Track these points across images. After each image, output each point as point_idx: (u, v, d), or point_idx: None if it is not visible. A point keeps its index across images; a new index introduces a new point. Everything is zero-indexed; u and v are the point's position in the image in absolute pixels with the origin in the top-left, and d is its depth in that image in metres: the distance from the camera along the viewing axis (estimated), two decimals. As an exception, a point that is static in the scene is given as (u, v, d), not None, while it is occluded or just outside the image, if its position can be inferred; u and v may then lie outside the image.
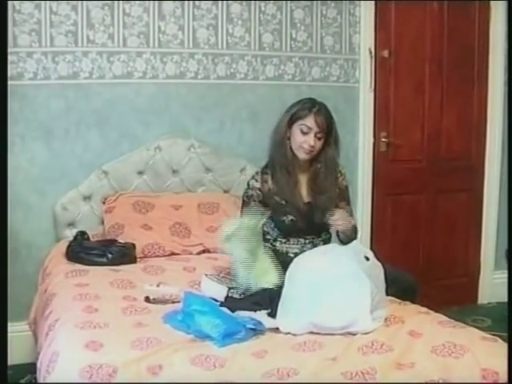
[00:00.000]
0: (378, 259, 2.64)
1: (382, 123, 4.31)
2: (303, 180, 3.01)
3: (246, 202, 2.99)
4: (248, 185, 3.01)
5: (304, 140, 2.89)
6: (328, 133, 2.93)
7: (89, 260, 3.09)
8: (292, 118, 2.94)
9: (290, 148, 2.94)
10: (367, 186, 4.23)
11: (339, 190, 3.05)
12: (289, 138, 2.94)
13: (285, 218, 2.93)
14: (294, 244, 2.96)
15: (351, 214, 3.08)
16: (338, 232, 2.94)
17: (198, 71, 3.82)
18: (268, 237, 2.97)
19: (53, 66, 3.52)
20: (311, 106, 2.93)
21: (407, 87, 4.35)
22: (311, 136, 2.88)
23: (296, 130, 2.92)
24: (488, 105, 4.58)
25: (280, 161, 2.95)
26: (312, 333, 2.32)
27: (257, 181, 2.98)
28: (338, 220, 2.82)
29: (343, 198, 3.07)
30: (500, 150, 4.61)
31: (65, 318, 2.39)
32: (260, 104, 3.97)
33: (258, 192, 2.96)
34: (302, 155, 2.93)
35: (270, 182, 2.97)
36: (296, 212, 2.93)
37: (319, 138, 2.91)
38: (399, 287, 2.74)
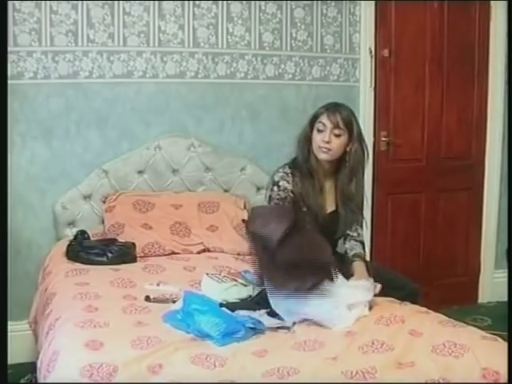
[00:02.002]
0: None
1: (382, 122, 4.31)
2: (331, 187, 2.98)
3: (278, 204, 2.87)
4: (278, 185, 2.90)
5: (320, 138, 2.87)
6: (349, 129, 2.89)
7: (89, 259, 3.09)
8: (311, 120, 2.94)
9: (313, 151, 2.92)
10: (367, 186, 4.18)
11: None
12: (311, 143, 2.93)
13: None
14: None
15: (361, 225, 3.07)
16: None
17: (198, 70, 3.82)
18: None
19: (53, 66, 3.52)
20: (328, 105, 2.92)
21: (407, 86, 4.35)
22: (326, 133, 2.86)
23: (314, 130, 2.91)
24: (488, 104, 4.58)
25: (303, 163, 2.92)
26: (313, 332, 2.32)
27: (288, 182, 2.90)
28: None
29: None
30: (500, 149, 4.61)
31: (65, 317, 2.39)
32: (260, 103, 3.97)
33: (291, 194, 2.89)
34: (320, 155, 2.90)
35: (299, 184, 2.91)
36: (315, 223, 2.87)
37: (336, 135, 2.86)
38: (402, 293, 2.74)
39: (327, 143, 2.86)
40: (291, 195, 2.89)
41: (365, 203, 3.14)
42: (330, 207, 2.98)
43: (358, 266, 2.85)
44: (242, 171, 3.88)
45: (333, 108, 2.89)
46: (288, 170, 2.93)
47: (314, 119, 2.92)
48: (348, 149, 2.90)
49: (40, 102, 3.52)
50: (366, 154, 2.96)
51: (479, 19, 4.47)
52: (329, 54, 4.12)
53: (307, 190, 2.90)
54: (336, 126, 2.86)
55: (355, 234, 3.01)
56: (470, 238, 4.68)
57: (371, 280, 2.67)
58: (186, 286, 2.80)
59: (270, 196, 2.93)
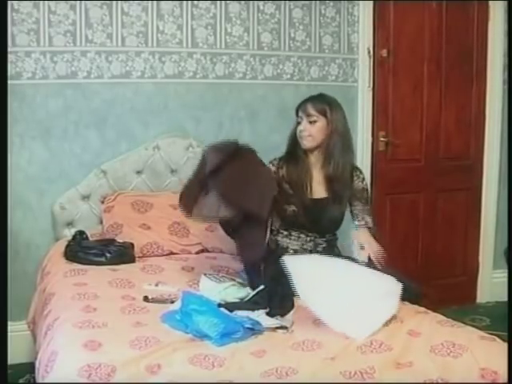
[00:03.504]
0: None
1: (381, 122, 4.31)
2: (319, 176, 3.06)
3: None
4: None
5: (299, 128, 3.04)
6: (325, 117, 3.02)
7: (87, 259, 3.09)
8: (295, 115, 3.11)
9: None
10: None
11: (354, 191, 3.09)
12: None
13: (287, 207, 2.98)
14: (294, 240, 3.02)
15: (369, 213, 3.14)
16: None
17: (197, 71, 3.82)
18: (272, 227, 3.03)
19: (51, 66, 3.52)
20: (306, 98, 3.08)
21: (406, 86, 4.35)
22: (304, 123, 3.02)
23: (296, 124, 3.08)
24: (486, 104, 4.59)
25: (289, 153, 3.08)
26: (311, 332, 2.32)
27: (273, 165, 3.06)
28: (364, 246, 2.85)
29: (357, 198, 3.10)
30: (499, 149, 4.62)
31: (63, 318, 2.39)
32: (259, 103, 3.97)
33: (273, 175, 3.01)
34: (303, 143, 3.05)
35: (284, 169, 3.05)
36: (300, 204, 2.98)
37: (311, 122, 3.01)
38: (405, 294, 2.75)
39: (303, 131, 3.02)
40: (274, 176, 3.02)
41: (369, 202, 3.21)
42: (322, 194, 3.05)
43: (362, 233, 3.01)
44: (241, 171, 3.87)
45: (306, 99, 3.07)
46: (277, 158, 3.11)
47: (296, 114, 3.10)
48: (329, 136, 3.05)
49: (38, 103, 3.52)
50: (344, 135, 3.06)
51: (478, 19, 4.48)
52: (327, 54, 4.12)
53: (291, 173, 3.02)
54: (308, 115, 3.02)
55: (362, 223, 3.09)
56: (468, 237, 4.68)
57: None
58: (185, 286, 2.80)
59: None
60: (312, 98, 3.07)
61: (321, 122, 3.01)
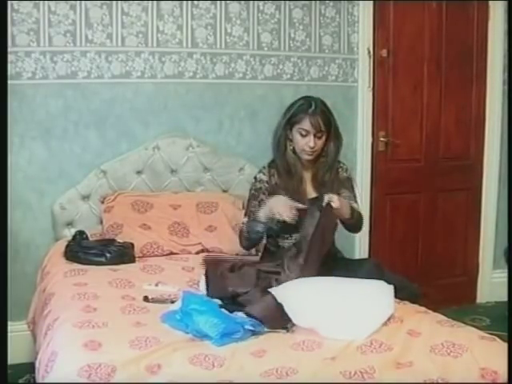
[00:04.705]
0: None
1: (381, 123, 4.31)
2: (308, 177, 3.06)
3: (254, 194, 3.04)
4: (255, 178, 3.07)
5: (304, 143, 2.96)
6: (328, 129, 2.98)
7: (87, 259, 3.09)
8: (290, 121, 3.00)
9: (293, 150, 3.02)
10: (366, 186, 4.23)
11: (340, 182, 3.08)
12: (291, 140, 3.01)
13: None
14: (295, 241, 2.96)
15: (355, 200, 3.10)
16: (342, 221, 2.97)
17: (197, 71, 3.82)
18: (271, 232, 3.00)
19: (51, 66, 3.52)
20: (307, 107, 2.96)
21: (406, 87, 4.35)
22: (310, 138, 2.94)
23: (296, 133, 2.99)
24: (486, 104, 4.58)
25: (280, 162, 3.03)
26: (311, 332, 2.32)
27: (264, 174, 3.05)
28: (332, 198, 2.75)
29: (344, 186, 3.09)
30: (498, 149, 4.62)
31: (63, 318, 2.39)
32: (258, 103, 3.97)
33: (266, 185, 3.02)
34: (305, 157, 3.00)
35: (276, 176, 3.03)
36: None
37: (319, 138, 2.96)
38: (402, 294, 2.75)
39: (311, 148, 2.95)
40: (266, 185, 3.02)
41: (362, 202, 3.18)
42: (312, 194, 3.05)
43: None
44: (241, 171, 3.88)
45: (312, 111, 2.94)
46: (266, 166, 3.08)
47: (294, 123, 2.98)
48: (326, 143, 3.01)
49: (38, 103, 3.52)
50: (341, 143, 3.06)
51: (478, 19, 4.48)
52: (327, 54, 4.12)
53: (286, 181, 3.00)
54: (319, 130, 2.94)
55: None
56: (468, 238, 4.68)
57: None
58: (185, 286, 2.81)
59: (250, 190, 3.09)
60: (316, 110, 2.94)
61: (324, 136, 2.98)
